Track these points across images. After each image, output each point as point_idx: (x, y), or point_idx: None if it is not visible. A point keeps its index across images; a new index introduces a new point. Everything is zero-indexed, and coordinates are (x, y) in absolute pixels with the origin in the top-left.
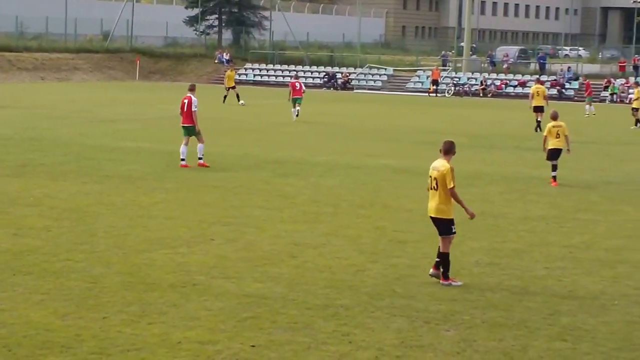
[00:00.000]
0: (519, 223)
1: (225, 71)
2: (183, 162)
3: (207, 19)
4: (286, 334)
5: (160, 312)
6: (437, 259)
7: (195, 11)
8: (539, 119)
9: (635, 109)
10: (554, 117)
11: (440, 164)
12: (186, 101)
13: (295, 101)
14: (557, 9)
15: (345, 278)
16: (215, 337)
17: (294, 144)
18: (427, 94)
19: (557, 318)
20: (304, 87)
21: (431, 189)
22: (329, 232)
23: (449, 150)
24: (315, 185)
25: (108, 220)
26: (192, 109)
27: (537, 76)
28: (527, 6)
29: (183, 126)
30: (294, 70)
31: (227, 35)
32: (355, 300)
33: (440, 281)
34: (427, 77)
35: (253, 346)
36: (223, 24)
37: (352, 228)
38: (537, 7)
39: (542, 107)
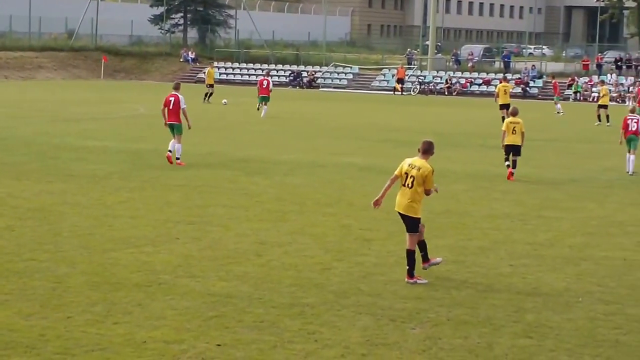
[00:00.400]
0: (484, 221)
1: (208, 68)
2: (169, 154)
3: (173, 18)
4: (252, 333)
5: (125, 311)
6: (422, 253)
7: (160, 10)
8: (504, 117)
9: (602, 106)
10: (514, 114)
11: (420, 164)
12: (172, 99)
13: (262, 100)
14: (522, 7)
15: (311, 276)
16: (180, 337)
17: (259, 143)
18: (392, 93)
19: (522, 315)
20: (271, 86)
21: (404, 185)
22: (295, 231)
23: (427, 150)
24: (281, 184)
25: (72, 219)
26: (182, 106)
27: (503, 74)
28: (492, 5)
29: (168, 124)
30: (265, 69)
31: (193, 33)
32: (321, 299)
33: (406, 279)
34: (393, 75)
35: (219, 345)
36: (188, 23)
37: (317, 226)
38: (502, 5)
39: (509, 104)
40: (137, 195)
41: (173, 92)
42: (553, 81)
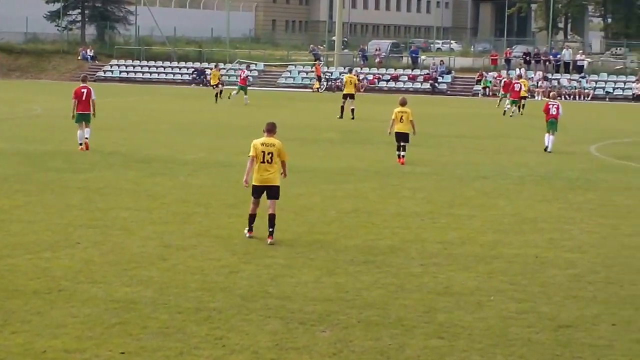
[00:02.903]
0: (393, 219)
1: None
2: (81, 146)
3: (70, 14)
4: (157, 340)
5: (24, 320)
6: (270, 229)
7: (57, 6)
8: (351, 107)
9: (522, 97)
10: (403, 104)
11: (273, 141)
12: (84, 91)
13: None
14: (429, 2)
15: (217, 280)
16: (82, 345)
17: (161, 142)
18: (301, 89)
19: (434, 315)
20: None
21: (263, 162)
22: (200, 233)
23: (272, 129)
24: (185, 185)
25: None
26: (93, 98)
27: (349, 69)
28: (398, 0)
29: (80, 113)
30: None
31: (91, 30)
32: (228, 303)
33: (269, 240)
34: (299, 72)
35: (122, 353)
36: (86, 19)
37: (223, 228)
38: (409, 0)
39: (353, 94)
40: (35, 199)
41: (82, 84)
42: (505, 80)
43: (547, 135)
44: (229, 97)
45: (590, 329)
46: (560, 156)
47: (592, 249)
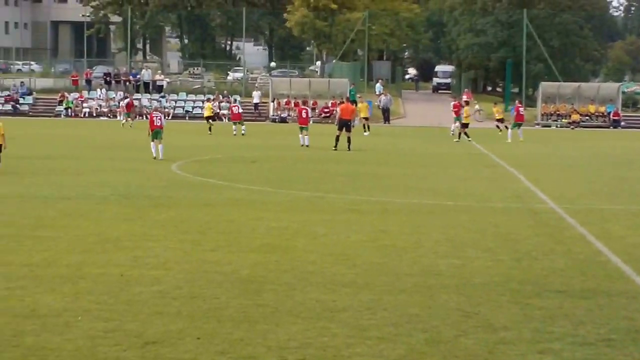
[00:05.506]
0: None
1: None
2: None
3: None
4: None
5: None
6: None
7: None
8: None
9: (465, 125)
10: None
11: None
12: None
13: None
14: (7, 22)
15: None
16: None
17: None
18: None
19: (21, 339)
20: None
21: None
22: None
23: None
24: None
25: None
26: None
27: None
28: None
29: None
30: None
31: None
32: None
33: None
34: None
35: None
36: None
37: None
38: None
39: None
40: None
41: None
42: (455, 102)
43: (152, 144)
44: None
45: (177, 343)
46: (142, 174)
47: (175, 265)
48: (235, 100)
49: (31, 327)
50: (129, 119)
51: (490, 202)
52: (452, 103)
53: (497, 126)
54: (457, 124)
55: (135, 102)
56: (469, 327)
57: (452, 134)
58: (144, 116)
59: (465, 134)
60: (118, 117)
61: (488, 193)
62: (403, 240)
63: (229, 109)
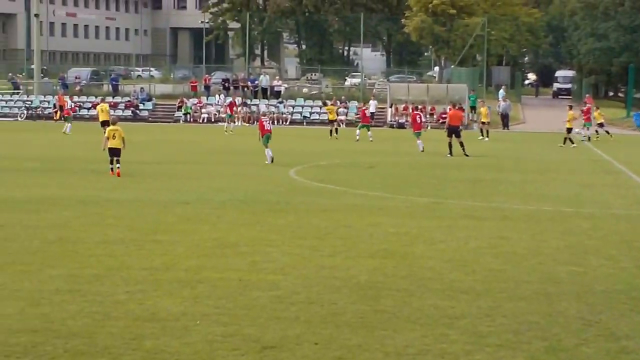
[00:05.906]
0: (97, 247)
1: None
2: None
3: None
4: None
5: None
6: None
7: None
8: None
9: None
10: (114, 122)
11: None
12: None
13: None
14: (127, 29)
15: None
16: None
17: None
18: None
19: (141, 342)
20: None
21: None
22: None
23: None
24: None
25: None
26: None
27: (103, 97)
28: (97, 27)
29: None
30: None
31: None
32: None
33: None
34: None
35: None
36: None
37: None
38: (107, 28)
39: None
40: None
41: None
42: (584, 107)
43: (267, 150)
44: None
45: (294, 348)
46: (259, 180)
47: (293, 271)
48: (368, 101)
49: (150, 330)
50: (232, 122)
51: (612, 209)
52: (582, 109)
53: (597, 131)
54: (588, 130)
55: (238, 103)
56: (590, 336)
57: (583, 140)
58: (254, 121)
59: (570, 139)
60: (229, 124)
61: (610, 200)
62: (522, 247)
63: (360, 111)
